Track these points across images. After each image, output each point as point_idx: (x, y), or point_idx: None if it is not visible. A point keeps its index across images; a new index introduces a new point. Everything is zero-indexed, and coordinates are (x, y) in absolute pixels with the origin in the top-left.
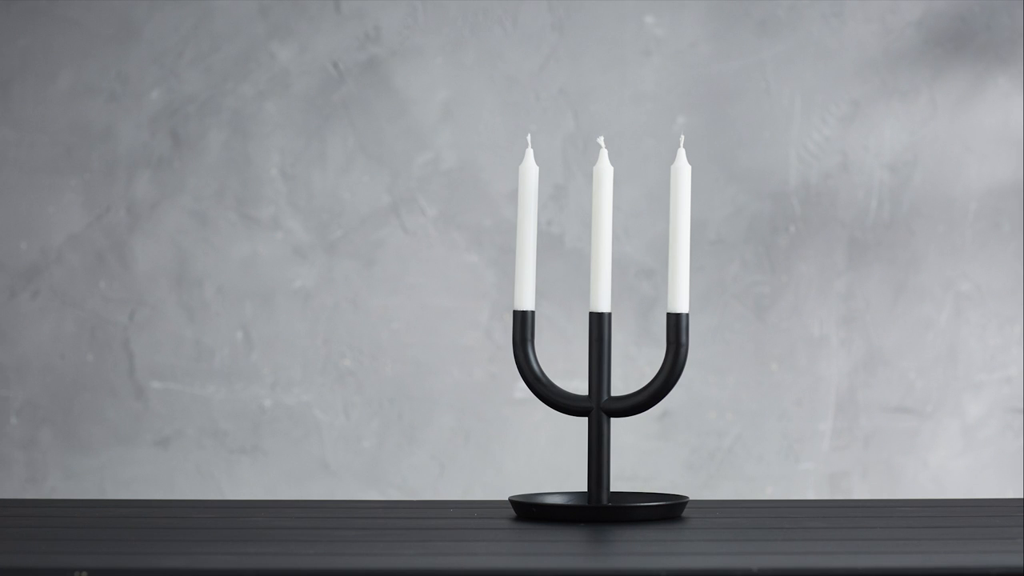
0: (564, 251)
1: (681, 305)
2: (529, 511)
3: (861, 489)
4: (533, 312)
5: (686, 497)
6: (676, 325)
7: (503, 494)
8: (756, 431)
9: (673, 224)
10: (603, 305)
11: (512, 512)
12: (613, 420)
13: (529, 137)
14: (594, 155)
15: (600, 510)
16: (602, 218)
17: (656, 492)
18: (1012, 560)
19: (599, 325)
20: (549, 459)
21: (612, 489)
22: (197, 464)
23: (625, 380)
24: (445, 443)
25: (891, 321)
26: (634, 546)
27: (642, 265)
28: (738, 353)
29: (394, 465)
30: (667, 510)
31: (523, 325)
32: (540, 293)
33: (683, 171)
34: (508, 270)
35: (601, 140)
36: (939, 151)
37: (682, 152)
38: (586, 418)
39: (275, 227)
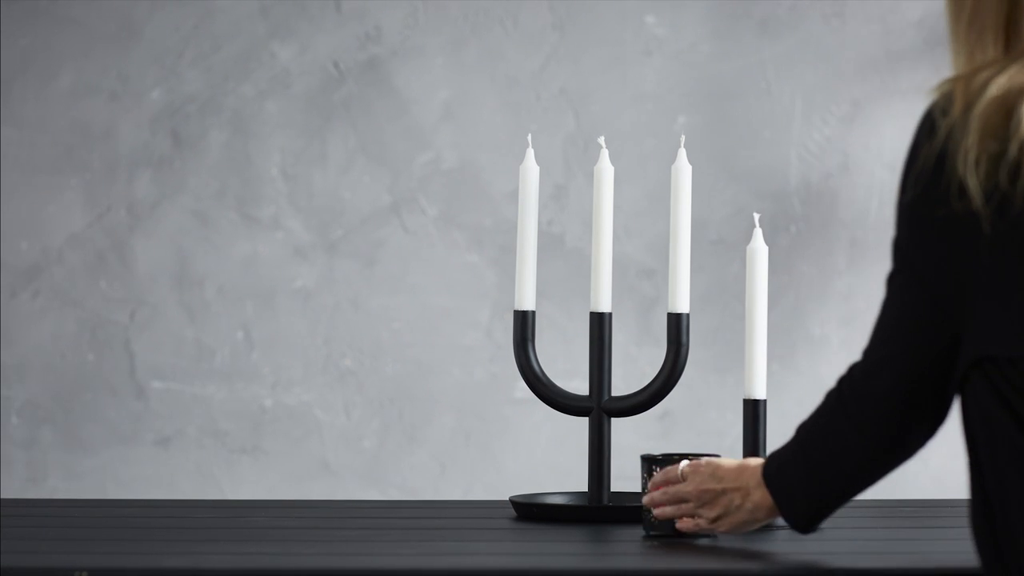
0: (565, 251)
1: (682, 305)
2: (530, 511)
3: None
4: (534, 312)
5: None
6: (677, 325)
7: (504, 494)
8: None
9: (673, 224)
10: (604, 305)
11: (512, 512)
12: (613, 420)
13: (530, 137)
14: (595, 155)
15: (600, 510)
16: (603, 218)
17: None
18: None
19: (600, 325)
20: (550, 459)
21: (613, 489)
22: (198, 464)
23: (626, 380)
24: (446, 443)
25: None
26: (634, 546)
27: (642, 265)
28: (738, 353)
29: (394, 465)
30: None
31: (524, 325)
32: (541, 293)
33: (684, 171)
34: (509, 270)
35: (602, 140)
36: None
37: (683, 152)
38: (587, 418)
39: (276, 227)
